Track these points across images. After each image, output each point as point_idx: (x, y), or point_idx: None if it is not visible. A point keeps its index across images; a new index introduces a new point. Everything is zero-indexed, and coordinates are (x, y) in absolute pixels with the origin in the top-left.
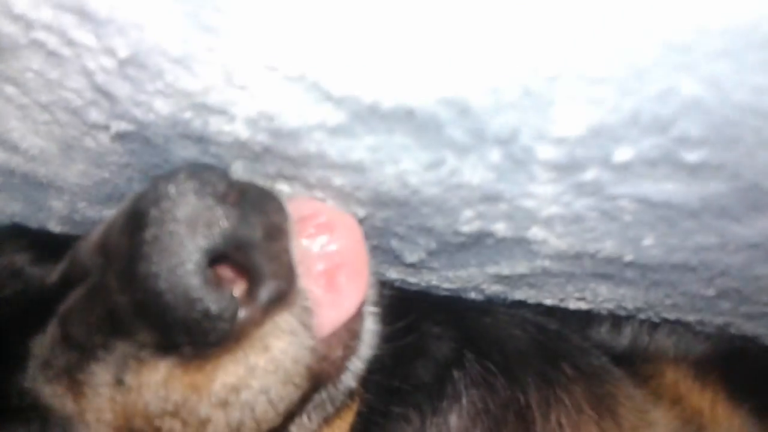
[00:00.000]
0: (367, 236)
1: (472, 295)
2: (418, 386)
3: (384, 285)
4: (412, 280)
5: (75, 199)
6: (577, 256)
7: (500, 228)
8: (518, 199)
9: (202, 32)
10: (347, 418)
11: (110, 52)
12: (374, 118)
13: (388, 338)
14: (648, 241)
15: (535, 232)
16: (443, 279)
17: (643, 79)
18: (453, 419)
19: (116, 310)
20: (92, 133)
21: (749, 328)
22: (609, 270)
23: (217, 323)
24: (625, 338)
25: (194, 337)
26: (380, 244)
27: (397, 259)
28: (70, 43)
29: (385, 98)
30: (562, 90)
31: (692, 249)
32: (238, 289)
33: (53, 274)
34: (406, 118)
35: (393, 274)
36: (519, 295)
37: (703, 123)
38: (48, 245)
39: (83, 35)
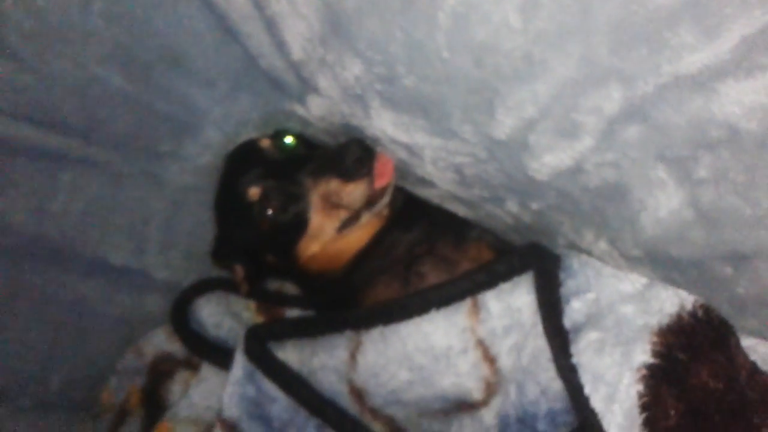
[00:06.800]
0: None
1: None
2: (409, 227)
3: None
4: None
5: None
6: None
7: None
8: None
9: None
10: (382, 219)
11: None
12: None
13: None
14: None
15: None
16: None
17: None
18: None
19: (335, 163)
20: None
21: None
22: None
23: (356, 172)
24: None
25: (349, 176)
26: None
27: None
28: None
29: None
30: None
31: None
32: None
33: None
34: None
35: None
36: None
37: None
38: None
39: None
